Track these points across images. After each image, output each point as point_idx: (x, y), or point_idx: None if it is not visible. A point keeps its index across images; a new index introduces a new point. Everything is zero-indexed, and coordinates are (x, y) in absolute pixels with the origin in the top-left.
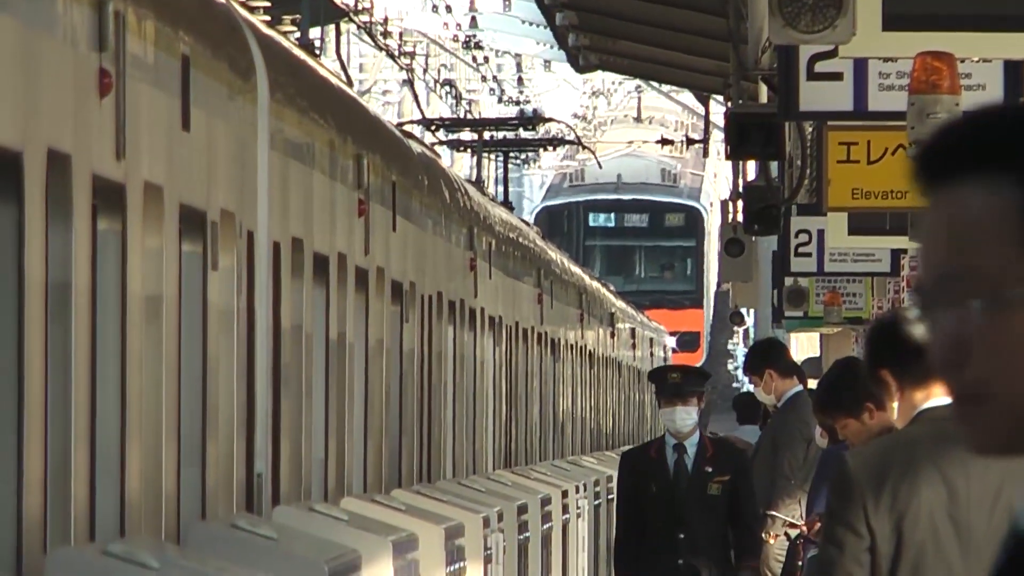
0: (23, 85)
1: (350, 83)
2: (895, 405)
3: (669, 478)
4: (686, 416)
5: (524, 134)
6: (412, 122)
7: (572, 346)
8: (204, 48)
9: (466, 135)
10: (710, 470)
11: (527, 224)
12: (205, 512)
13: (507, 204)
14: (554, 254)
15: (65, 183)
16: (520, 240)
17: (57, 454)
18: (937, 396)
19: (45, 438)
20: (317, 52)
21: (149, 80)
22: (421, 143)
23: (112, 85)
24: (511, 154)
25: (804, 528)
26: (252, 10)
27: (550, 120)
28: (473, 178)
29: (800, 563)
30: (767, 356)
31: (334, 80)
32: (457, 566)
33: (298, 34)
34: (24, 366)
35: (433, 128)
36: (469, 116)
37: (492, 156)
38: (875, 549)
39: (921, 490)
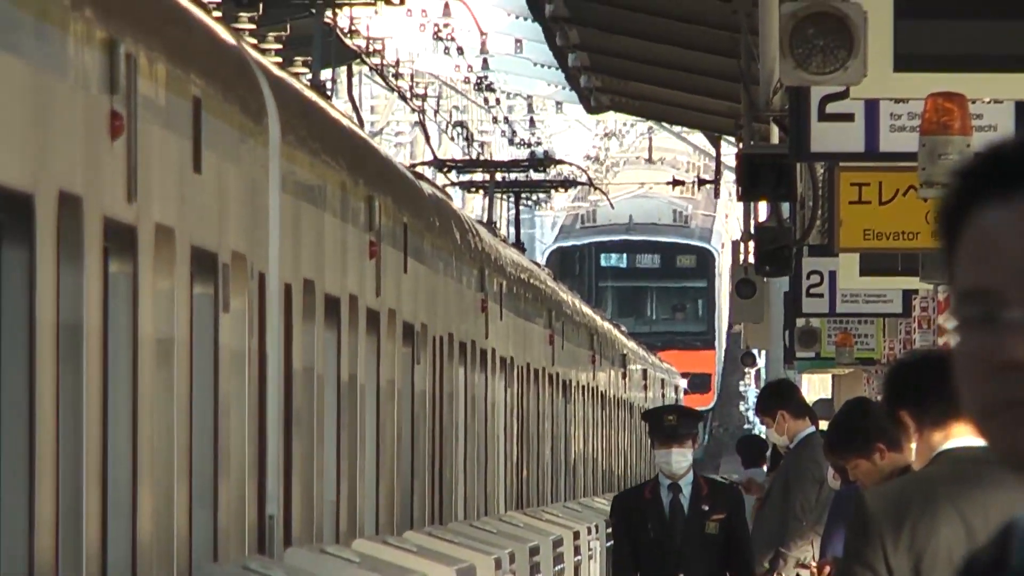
0: (34, 127)
1: (361, 124)
2: (913, 446)
3: (665, 519)
4: (681, 458)
5: (536, 176)
6: (424, 163)
7: (583, 387)
8: (215, 90)
9: (478, 176)
10: (707, 508)
11: (538, 265)
12: (217, 554)
13: (519, 245)
14: (565, 295)
15: (76, 225)
16: (531, 281)
17: (69, 495)
18: (956, 437)
19: (57, 479)
20: (329, 94)
21: (160, 122)
22: (432, 184)
23: (124, 127)
24: (523, 195)
25: (814, 569)
26: (264, 52)
27: (561, 162)
28: (485, 219)
29: None
30: (779, 397)
31: (346, 122)
32: None
33: (310, 75)
34: (35, 408)
35: (445, 169)
36: (481, 157)
37: (504, 197)
38: None
39: (940, 530)
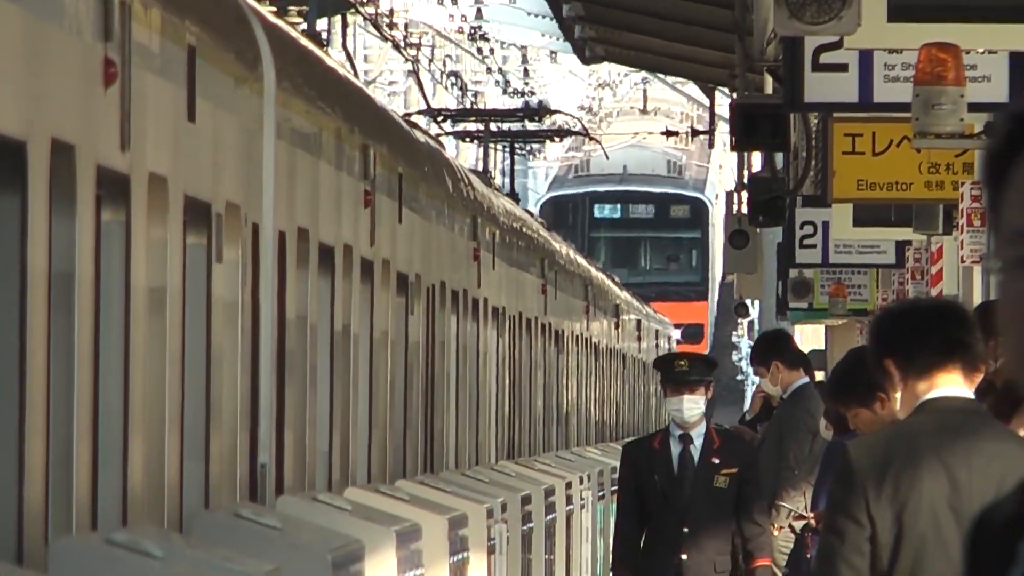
0: (27, 74)
1: (356, 74)
2: (898, 395)
3: (674, 470)
4: (693, 405)
5: (530, 125)
6: (418, 112)
7: (576, 337)
8: (210, 38)
9: (472, 126)
10: (717, 462)
11: (531, 215)
12: (208, 503)
13: (513, 195)
14: (558, 245)
15: (69, 174)
16: (524, 231)
17: (60, 444)
18: (940, 387)
19: (47, 428)
20: (324, 43)
21: (154, 70)
22: (426, 134)
23: (117, 75)
24: (517, 145)
25: (812, 519)
26: (259, 1)
27: (556, 112)
28: (479, 169)
29: (808, 555)
30: (774, 347)
31: (341, 70)
32: (460, 556)
33: (305, 25)
34: (27, 357)
35: (439, 119)
36: (475, 107)
37: (498, 147)
38: (876, 539)
39: (923, 480)
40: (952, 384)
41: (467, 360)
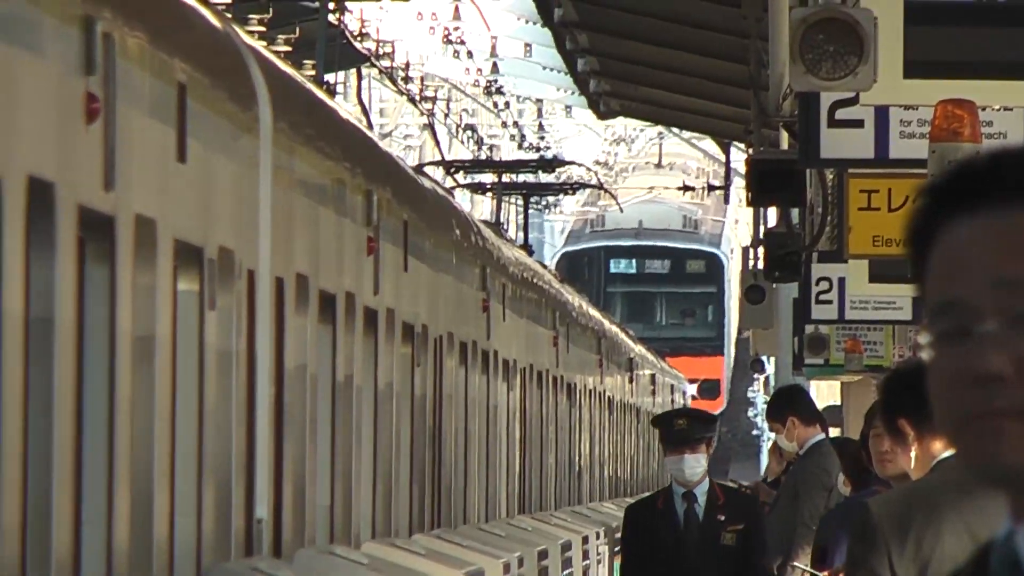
0: (1, 106)
1: (371, 127)
2: (912, 455)
3: (680, 530)
4: (695, 464)
5: (544, 178)
6: (431, 163)
7: (589, 391)
8: (202, 75)
9: (486, 178)
10: (723, 519)
11: (543, 266)
12: (200, 562)
13: (527, 248)
14: (571, 297)
15: (48, 213)
16: (536, 282)
17: (38, 501)
18: None
19: (24, 485)
20: (335, 94)
21: (141, 107)
22: (434, 181)
23: (100, 110)
24: (532, 198)
25: None
26: (277, 55)
27: (570, 163)
28: (492, 221)
29: None
30: (790, 403)
31: (343, 112)
32: None
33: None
34: (0, 410)
35: (452, 170)
36: (489, 159)
37: (512, 200)
38: None
39: (944, 539)
40: None
41: (477, 413)
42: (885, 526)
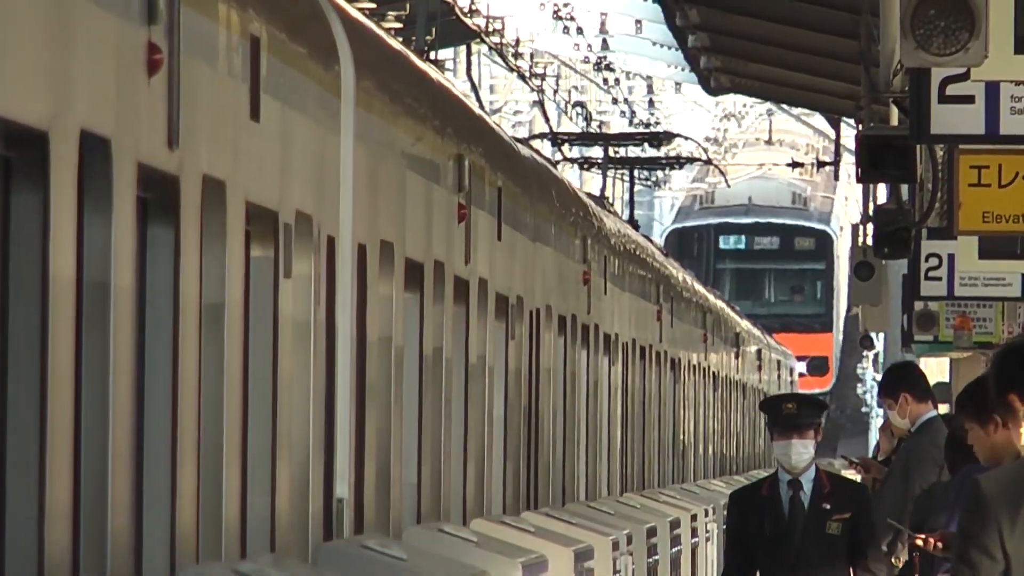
0: (53, 55)
1: (481, 104)
2: (1023, 430)
3: (785, 518)
4: (803, 450)
5: (652, 151)
6: (538, 136)
7: (694, 367)
8: (279, 28)
9: (594, 152)
10: (828, 507)
11: (647, 239)
12: (274, 544)
13: (633, 223)
14: (676, 271)
15: (104, 170)
16: (639, 255)
17: (93, 479)
18: None
19: (76, 462)
20: (445, 70)
21: (211, 61)
22: (536, 151)
23: (163, 62)
24: (639, 173)
25: (920, 539)
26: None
27: (677, 135)
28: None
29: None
30: (904, 379)
31: (432, 71)
32: None
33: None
34: (48, 382)
35: (560, 143)
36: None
37: (620, 177)
38: (1009, 574)
39: None
40: None
41: (577, 388)
42: (996, 503)
